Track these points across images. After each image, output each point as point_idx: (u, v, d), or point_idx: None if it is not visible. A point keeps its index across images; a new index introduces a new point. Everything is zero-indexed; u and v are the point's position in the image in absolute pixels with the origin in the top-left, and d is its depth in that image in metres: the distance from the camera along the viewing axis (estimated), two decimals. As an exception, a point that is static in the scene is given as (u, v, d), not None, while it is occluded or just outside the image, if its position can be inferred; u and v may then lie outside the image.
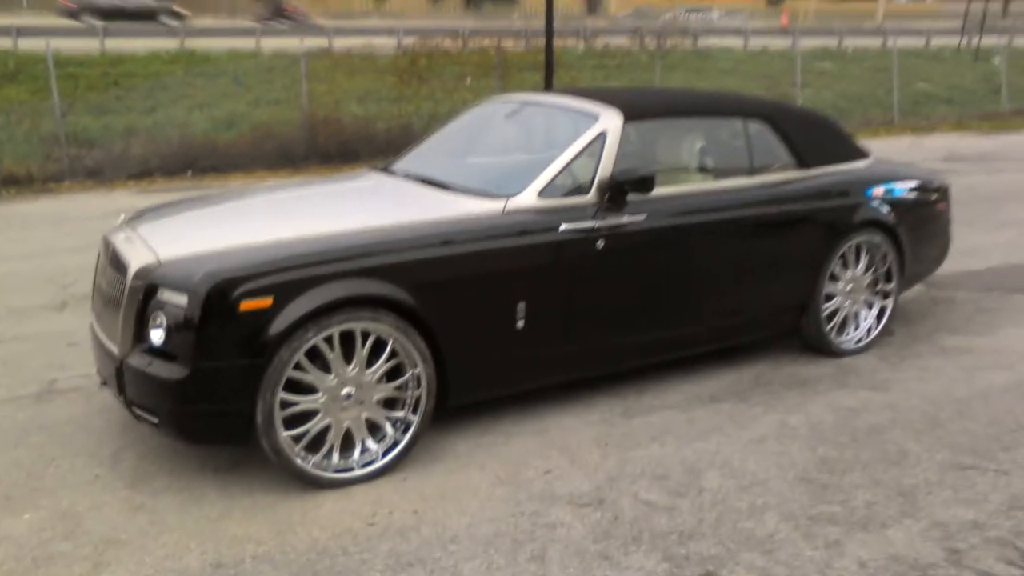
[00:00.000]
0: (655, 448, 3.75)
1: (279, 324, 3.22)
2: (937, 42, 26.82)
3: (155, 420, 3.33)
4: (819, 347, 4.83)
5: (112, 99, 13.87)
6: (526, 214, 3.83)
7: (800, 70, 16.16)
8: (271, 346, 3.21)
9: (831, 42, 25.95)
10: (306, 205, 4.28)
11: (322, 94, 12.78)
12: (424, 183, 4.27)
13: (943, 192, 5.32)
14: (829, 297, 4.78)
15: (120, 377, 3.39)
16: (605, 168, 4.00)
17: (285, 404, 3.30)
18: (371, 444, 3.52)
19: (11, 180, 9.99)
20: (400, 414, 3.57)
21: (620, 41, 22.46)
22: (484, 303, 3.71)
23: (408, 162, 4.79)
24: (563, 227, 3.84)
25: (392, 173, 4.64)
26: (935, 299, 5.87)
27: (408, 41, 19.39)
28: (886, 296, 5.00)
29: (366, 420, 3.51)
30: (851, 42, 26.43)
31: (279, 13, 33.45)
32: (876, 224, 4.82)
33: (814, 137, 4.90)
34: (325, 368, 3.37)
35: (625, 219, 3.99)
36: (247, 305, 3.20)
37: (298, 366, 3.30)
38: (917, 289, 5.91)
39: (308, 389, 3.36)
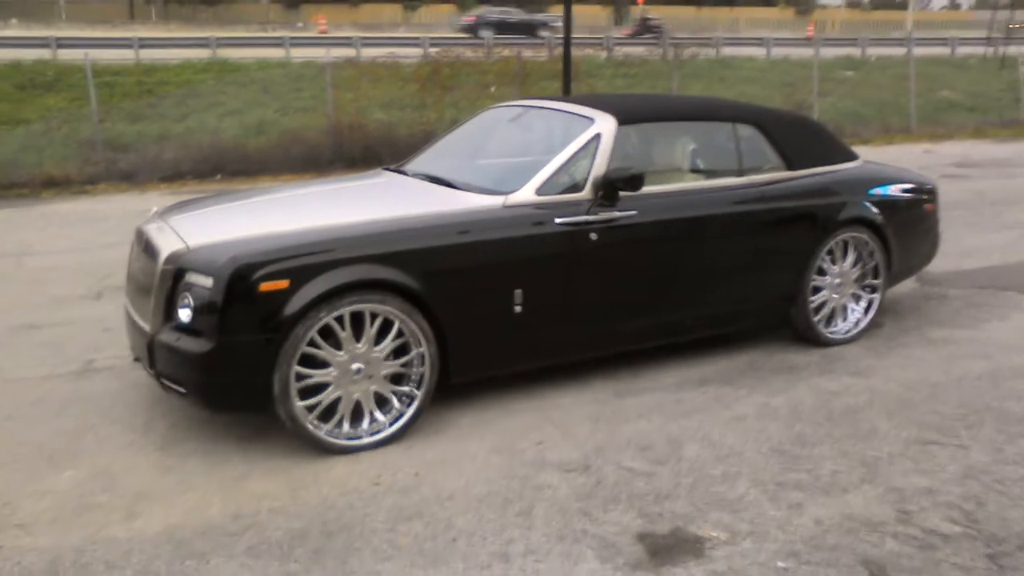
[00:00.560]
0: (642, 423, 4.05)
1: (295, 304, 3.56)
2: (964, 50, 26.81)
3: (183, 390, 3.69)
4: (808, 337, 5.09)
5: (146, 106, 14.40)
6: (524, 208, 4.15)
7: (820, 78, 16.33)
8: (287, 324, 3.56)
9: (857, 51, 26.05)
10: (323, 200, 4.65)
11: (348, 102, 13.17)
12: (432, 181, 4.61)
13: (931, 193, 5.58)
14: (817, 290, 5.05)
15: (151, 352, 3.76)
16: (599, 167, 4.30)
17: (300, 376, 3.64)
18: (379, 415, 3.85)
19: (51, 182, 10.56)
20: (406, 389, 3.89)
21: (640, 51, 22.71)
22: (484, 289, 4.03)
23: (419, 163, 5.14)
24: (558, 220, 4.15)
25: (404, 173, 4.98)
26: (927, 295, 6.10)
27: (433, 51, 19.79)
28: (874, 290, 5.26)
29: (374, 393, 3.83)
30: (876, 51, 26.51)
31: (648, 29, 37.35)
32: (861, 222, 5.09)
33: (802, 141, 5.18)
34: (337, 345, 3.70)
35: (617, 214, 4.29)
36: (266, 287, 3.55)
37: (312, 342, 3.63)
38: (911, 286, 6.17)
39: (321, 364, 3.69)
